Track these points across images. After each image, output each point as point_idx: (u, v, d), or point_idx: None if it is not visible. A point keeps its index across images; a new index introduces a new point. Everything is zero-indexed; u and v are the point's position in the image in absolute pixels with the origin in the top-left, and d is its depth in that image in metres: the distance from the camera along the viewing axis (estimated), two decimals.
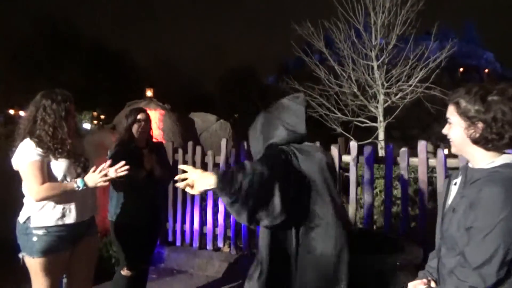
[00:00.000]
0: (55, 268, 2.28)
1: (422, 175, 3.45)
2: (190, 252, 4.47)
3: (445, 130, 1.43)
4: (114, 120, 6.64)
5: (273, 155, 1.70)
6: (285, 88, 12.03)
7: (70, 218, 2.32)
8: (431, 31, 10.68)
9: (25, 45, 29.72)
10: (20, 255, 2.29)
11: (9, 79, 26.01)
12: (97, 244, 2.77)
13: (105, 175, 2.29)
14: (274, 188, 1.52)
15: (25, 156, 2.22)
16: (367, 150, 3.66)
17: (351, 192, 3.69)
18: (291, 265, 1.68)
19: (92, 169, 2.32)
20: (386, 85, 10.59)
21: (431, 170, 4.17)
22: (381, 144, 10.27)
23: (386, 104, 10.71)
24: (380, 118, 10.80)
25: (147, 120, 2.99)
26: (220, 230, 4.44)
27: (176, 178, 1.83)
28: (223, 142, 4.49)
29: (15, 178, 2.35)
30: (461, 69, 39.65)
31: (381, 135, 10.77)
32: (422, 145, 3.47)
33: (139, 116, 2.93)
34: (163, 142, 4.16)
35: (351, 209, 3.69)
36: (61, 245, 2.29)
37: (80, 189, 2.27)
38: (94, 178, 2.28)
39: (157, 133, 5.66)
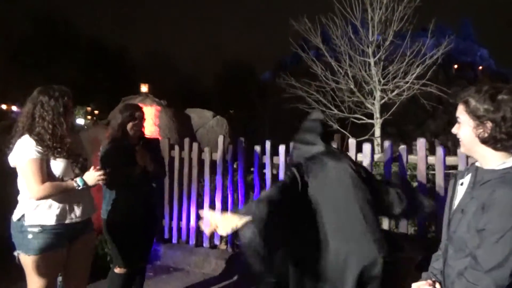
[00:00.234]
0: (50, 266, 2.26)
1: (421, 173, 3.44)
2: (186, 249, 4.44)
3: (454, 130, 1.40)
4: (109, 116, 6.56)
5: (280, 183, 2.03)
6: (281, 84, 11.99)
7: (67, 218, 2.29)
8: (428, 28, 10.66)
9: (24, 43, 29.48)
10: (16, 253, 2.26)
11: (7, 77, 25.80)
12: (94, 243, 2.74)
13: (103, 173, 2.28)
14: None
15: (25, 154, 2.19)
16: (366, 147, 3.63)
17: None
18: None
19: (91, 168, 2.31)
20: (382, 81, 10.59)
21: (427, 167, 4.15)
22: (377, 140, 10.28)
23: (383, 101, 10.72)
24: (377, 114, 10.80)
25: (142, 118, 2.94)
26: None
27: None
28: (220, 139, 4.45)
29: (12, 176, 2.31)
30: (456, 66, 39.78)
31: (377, 131, 10.78)
32: (421, 143, 3.46)
33: (134, 114, 2.88)
34: (159, 138, 4.12)
35: None
36: (57, 243, 2.26)
37: (80, 188, 2.26)
38: (93, 176, 2.28)
39: (153, 129, 5.60)
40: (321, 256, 1.88)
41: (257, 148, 4.19)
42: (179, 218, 4.60)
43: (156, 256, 4.40)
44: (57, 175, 2.26)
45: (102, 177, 2.29)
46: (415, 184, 3.55)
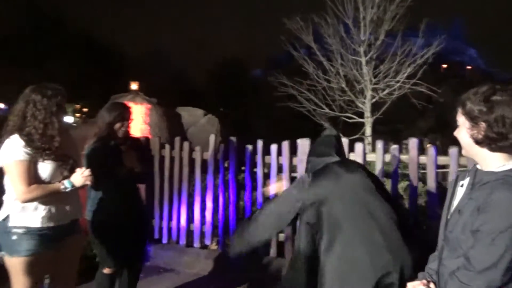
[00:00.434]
0: (36, 268, 2.20)
1: (413, 172, 3.44)
2: (177, 249, 4.39)
3: (455, 133, 1.41)
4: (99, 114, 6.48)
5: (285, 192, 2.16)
6: (273, 83, 11.98)
7: (54, 220, 2.23)
8: (419, 27, 10.74)
9: (10, 38, 28.94)
10: (0, 254, 2.20)
11: None
12: (82, 244, 2.69)
13: (91, 173, 2.25)
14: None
15: (13, 154, 2.13)
16: (359, 147, 3.62)
17: None
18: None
19: (79, 169, 2.26)
20: (374, 80, 10.64)
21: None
22: (368, 139, 10.33)
23: (374, 100, 10.77)
24: (368, 113, 10.85)
25: (130, 117, 2.90)
26: (207, 227, 4.37)
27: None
28: (211, 138, 4.40)
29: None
30: (445, 66, 40.20)
31: (368, 130, 10.84)
32: (413, 142, 3.46)
33: (123, 115, 2.84)
34: (150, 136, 4.06)
35: None
36: (43, 245, 2.21)
37: (68, 190, 2.21)
38: (81, 177, 2.23)
39: (143, 128, 5.54)
40: (336, 265, 1.86)
41: (249, 147, 4.15)
42: (170, 218, 4.55)
43: (146, 256, 4.35)
44: (44, 178, 2.21)
45: (89, 178, 2.25)
46: (406, 183, 3.56)
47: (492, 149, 1.29)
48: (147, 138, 4.67)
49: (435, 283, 1.43)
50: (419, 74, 10.38)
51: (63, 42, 30.71)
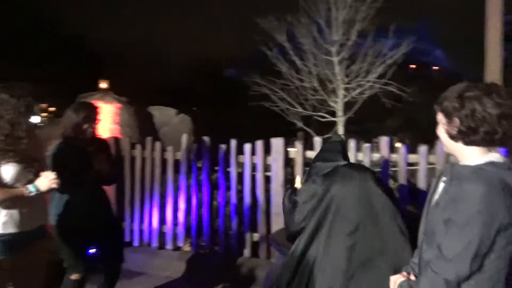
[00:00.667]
0: None
1: (385, 170, 3.50)
2: (149, 252, 4.30)
3: (437, 130, 1.45)
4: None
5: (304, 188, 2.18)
6: (246, 82, 11.96)
7: (16, 226, 2.11)
8: (389, 29, 10.99)
9: None
10: None
11: None
12: (48, 250, 2.56)
13: (57, 177, 2.14)
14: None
15: None
16: None
17: None
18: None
19: (44, 172, 2.15)
20: (346, 80, 10.81)
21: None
22: None
23: (346, 99, 10.95)
24: (340, 112, 11.02)
25: (97, 118, 2.81)
26: (180, 228, 4.29)
27: None
28: (184, 137, 4.33)
29: None
30: (413, 66, 41.35)
31: (340, 129, 11.00)
32: (384, 141, 3.53)
33: (91, 115, 2.75)
34: (120, 136, 3.95)
35: None
36: (5, 252, 2.09)
37: (32, 194, 2.09)
38: (47, 181, 2.12)
39: (113, 128, 5.38)
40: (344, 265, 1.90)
41: (222, 147, 4.11)
42: (141, 220, 4.44)
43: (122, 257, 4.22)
44: (6, 181, 2.08)
45: (55, 181, 2.14)
46: None
47: (466, 143, 1.34)
48: (116, 138, 4.54)
49: (415, 275, 1.47)
50: (389, 74, 10.64)
51: (26, 36, 29.37)
